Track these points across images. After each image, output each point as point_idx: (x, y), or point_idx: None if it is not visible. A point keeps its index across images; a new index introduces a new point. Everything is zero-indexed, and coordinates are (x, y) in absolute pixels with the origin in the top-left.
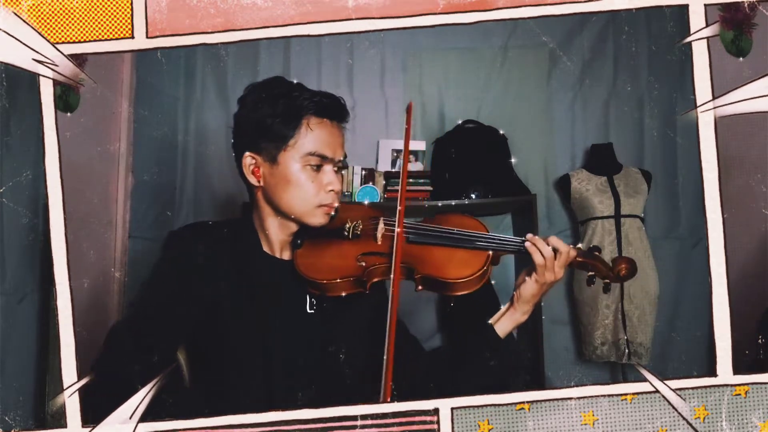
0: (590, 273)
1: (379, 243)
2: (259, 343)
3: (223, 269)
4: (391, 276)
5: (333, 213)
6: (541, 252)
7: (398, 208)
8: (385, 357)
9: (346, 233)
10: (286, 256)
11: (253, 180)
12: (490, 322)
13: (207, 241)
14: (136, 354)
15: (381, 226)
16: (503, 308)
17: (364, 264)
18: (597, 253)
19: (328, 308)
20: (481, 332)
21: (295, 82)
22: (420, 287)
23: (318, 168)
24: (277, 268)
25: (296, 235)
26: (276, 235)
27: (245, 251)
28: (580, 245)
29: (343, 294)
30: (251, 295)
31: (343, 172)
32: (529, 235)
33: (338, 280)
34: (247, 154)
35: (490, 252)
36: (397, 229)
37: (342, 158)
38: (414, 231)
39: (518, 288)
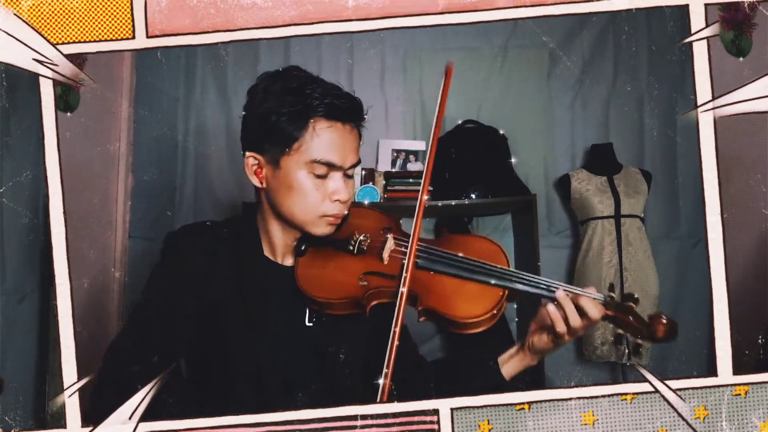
0: (619, 330)
1: (385, 263)
2: (254, 352)
3: (220, 273)
4: (393, 300)
5: (340, 222)
6: (565, 316)
7: (411, 238)
8: (386, 360)
9: (351, 247)
10: (288, 262)
11: (255, 181)
12: (498, 360)
13: (205, 243)
14: (136, 365)
15: (390, 243)
16: (513, 349)
17: (366, 284)
18: (631, 305)
19: (327, 322)
20: (485, 371)
21: (313, 74)
22: (422, 318)
23: (324, 175)
24: (277, 275)
25: (300, 240)
26: (279, 240)
27: (245, 254)
28: (612, 293)
29: (342, 313)
30: (249, 301)
31: (354, 177)
32: (561, 293)
33: (337, 300)
34: (249, 154)
35: (506, 291)
36: (408, 260)
37: (353, 164)
38: (425, 255)
39: (531, 337)
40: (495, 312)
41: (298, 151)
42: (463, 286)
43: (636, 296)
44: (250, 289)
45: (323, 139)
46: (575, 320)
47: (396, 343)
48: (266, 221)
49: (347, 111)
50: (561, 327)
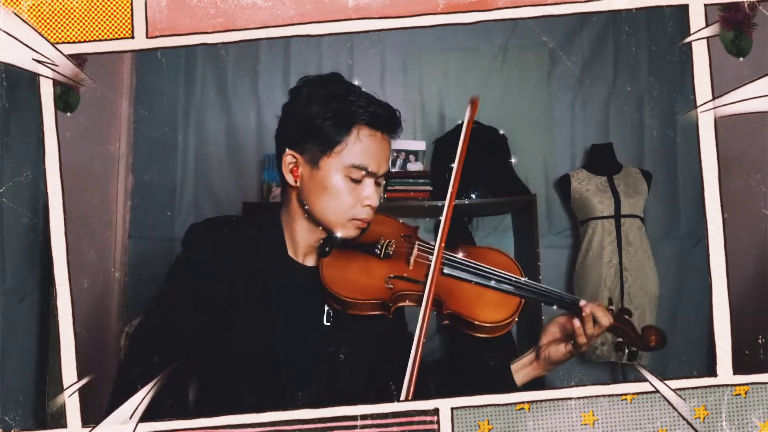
0: (619, 339)
1: (411, 268)
2: (269, 351)
3: (241, 269)
4: (419, 305)
5: (365, 227)
6: (585, 332)
7: (437, 244)
8: (411, 361)
9: (377, 251)
10: (310, 262)
11: (290, 179)
12: (511, 367)
13: (227, 238)
14: (138, 366)
15: (416, 251)
16: (525, 358)
17: (392, 287)
18: (627, 317)
19: (344, 323)
20: (493, 372)
21: (354, 83)
22: (446, 321)
23: (359, 180)
24: (298, 274)
25: (325, 241)
26: (303, 239)
27: (267, 252)
28: (612, 307)
29: (365, 314)
30: (267, 299)
31: (382, 184)
32: (588, 309)
33: (364, 301)
34: (289, 151)
35: (523, 299)
36: (433, 265)
37: (385, 173)
38: (451, 264)
39: (548, 349)
40: (514, 318)
41: (339, 154)
42: (484, 294)
43: (630, 309)
44: (269, 287)
45: (364, 145)
46: (590, 328)
47: (422, 343)
48: (292, 220)
49: (389, 122)
50: (582, 337)
